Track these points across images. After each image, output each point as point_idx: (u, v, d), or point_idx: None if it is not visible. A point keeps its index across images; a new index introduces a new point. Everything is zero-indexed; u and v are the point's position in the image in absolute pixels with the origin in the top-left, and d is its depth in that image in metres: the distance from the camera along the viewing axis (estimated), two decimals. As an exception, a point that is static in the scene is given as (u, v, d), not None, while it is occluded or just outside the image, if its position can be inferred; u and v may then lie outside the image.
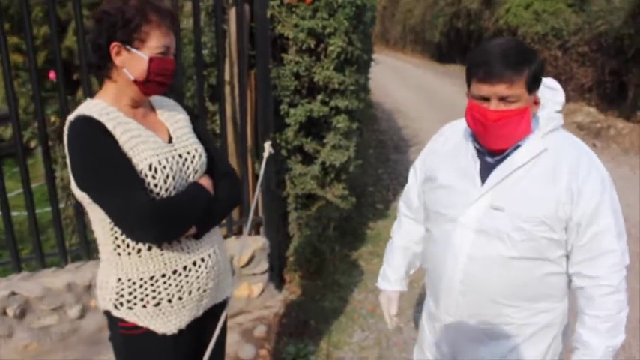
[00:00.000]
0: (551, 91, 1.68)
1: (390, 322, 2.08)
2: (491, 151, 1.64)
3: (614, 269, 1.58)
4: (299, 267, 4.02)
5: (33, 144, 4.36)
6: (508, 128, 1.54)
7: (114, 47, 1.58)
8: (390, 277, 2.05)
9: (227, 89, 3.49)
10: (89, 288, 3.19)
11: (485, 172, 1.65)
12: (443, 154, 1.80)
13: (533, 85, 1.53)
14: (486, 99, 1.53)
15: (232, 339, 3.26)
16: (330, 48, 3.48)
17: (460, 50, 17.63)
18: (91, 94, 3.05)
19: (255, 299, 3.66)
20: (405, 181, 2.01)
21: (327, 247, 4.13)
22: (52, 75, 3.45)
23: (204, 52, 3.36)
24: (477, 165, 1.67)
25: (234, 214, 3.63)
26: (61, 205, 3.44)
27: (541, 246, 1.58)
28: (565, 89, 1.77)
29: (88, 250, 3.27)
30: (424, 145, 1.97)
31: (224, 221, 3.54)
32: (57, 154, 3.64)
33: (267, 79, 3.47)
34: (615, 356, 1.67)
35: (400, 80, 15.04)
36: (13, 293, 3.01)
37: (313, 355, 3.22)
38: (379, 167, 7.24)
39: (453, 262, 1.68)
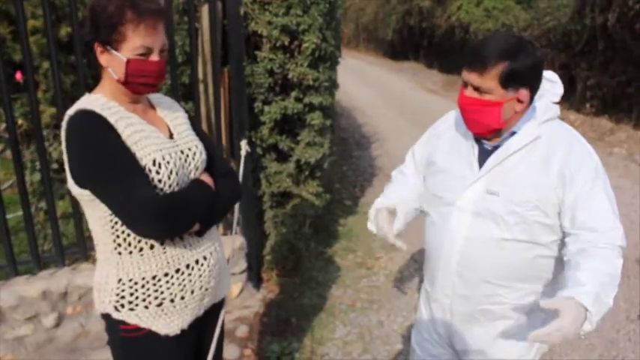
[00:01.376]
0: (550, 83, 1.73)
1: (390, 235, 1.76)
2: (477, 135, 1.71)
3: (614, 233, 1.56)
4: (276, 265, 4.00)
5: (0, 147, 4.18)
6: (476, 116, 1.63)
7: (97, 47, 1.55)
8: (383, 199, 1.93)
9: (201, 88, 3.44)
10: (65, 295, 3.10)
11: (482, 157, 1.72)
12: (445, 138, 1.86)
13: (509, 82, 1.55)
14: (466, 84, 1.63)
15: (215, 340, 3.22)
16: (305, 44, 3.47)
17: (413, 47, 17.92)
18: (62, 93, 2.97)
19: (235, 299, 3.62)
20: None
21: (302, 244, 4.13)
22: (18, 76, 3.32)
23: (176, 50, 3.30)
24: (475, 150, 1.73)
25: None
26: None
27: (533, 230, 1.63)
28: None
29: (63, 255, 3.16)
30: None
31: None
32: (25, 158, 3.50)
33: (242, 77, 3.44)
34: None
35: (355, 78, 15.13)
36: (-15, 304, 2.90)
37: (298, 352, 3.22)
38: (343, 164, 7.28)
39: (450, 245, 1.75)
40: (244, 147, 3.10)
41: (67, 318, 3.13)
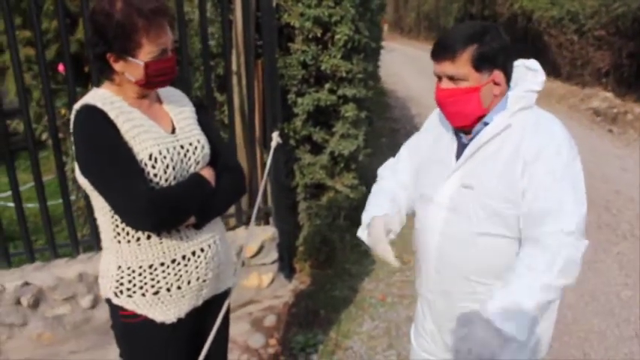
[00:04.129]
0: (531, 72, 1.66)
1: (386, 254, 1.69)
2: (457, 128, 1.69)
3: (566, 219, 1.51)
4: (309, 257, 4.02)
5: (45, 136, 4.42)
6: (456, 106, 1.60)
7: (110, 57, 1.59)
8: (374, 208, 1.84)
9: (234, 79, 3.49)
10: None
11: (460, 151, 1.69)
12: (430, 134, 1.84)
13: (482, 64, 1.54)
14: (440, 78, 1.60)
15: (242, 328, 3.28)
16: (337, 36, 3.46)
17: (475, 37, 17.42)
18: (99, 86, 3.08)
19: (265, 289, 3.67)
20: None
21: (337, 236, 4.13)
22: (60, 68, 3.47)
23: (211, 42, 3.35)
24: (454, 145, 1.71)
25: (244, 204, 3.64)
26: (72, 197, 3.47)
27: (509, 223, 1.58)
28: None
29: (99, 240, 3.29)
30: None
31: (233, 211, 3.56)
32: (67, 146, 3.68)
33: (275, 69, 3.46)
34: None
35: (413, 68, 14.90)
36: (27, 283, 3.08)
37: (322, 344, 3.23)
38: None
39: (429, 241, 1.75)
40: (275, 138, 3.12)
41: (102, 300, 3.26)
